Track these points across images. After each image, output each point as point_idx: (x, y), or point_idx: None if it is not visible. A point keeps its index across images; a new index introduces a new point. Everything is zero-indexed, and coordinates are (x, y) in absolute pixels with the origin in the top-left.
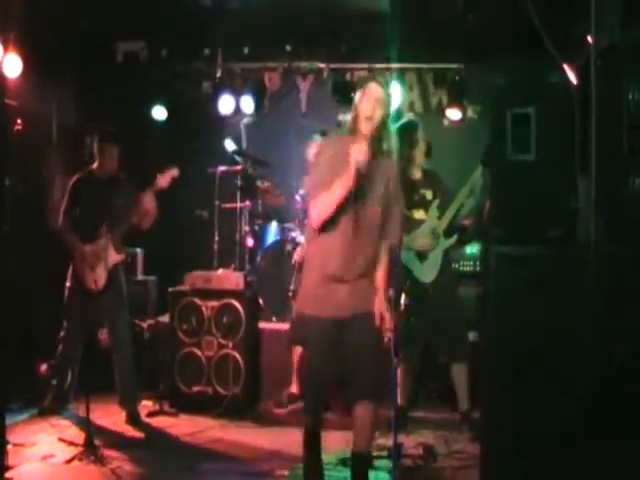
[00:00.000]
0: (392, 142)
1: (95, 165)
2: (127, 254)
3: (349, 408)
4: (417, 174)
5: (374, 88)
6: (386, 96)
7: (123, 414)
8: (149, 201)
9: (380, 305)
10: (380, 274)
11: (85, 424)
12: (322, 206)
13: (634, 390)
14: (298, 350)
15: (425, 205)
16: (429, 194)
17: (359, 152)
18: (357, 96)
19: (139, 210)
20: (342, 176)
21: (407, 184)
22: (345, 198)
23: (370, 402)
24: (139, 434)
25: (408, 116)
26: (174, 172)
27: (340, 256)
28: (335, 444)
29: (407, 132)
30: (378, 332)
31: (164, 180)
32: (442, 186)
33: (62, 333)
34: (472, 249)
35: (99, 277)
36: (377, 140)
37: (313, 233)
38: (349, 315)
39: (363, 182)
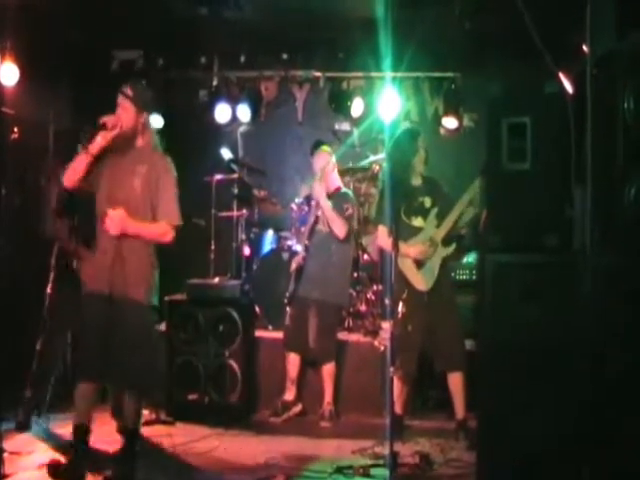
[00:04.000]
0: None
1: None
2: None
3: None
4: (417, 181)
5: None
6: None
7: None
8: None
9: None
10: None
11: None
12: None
13: (632, 399)
14: (293, 357)
15: (423, 213)
16: (428, 202)
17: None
18: None
19: None
20: None
21: (406, 191)
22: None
23: None
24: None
25: (405, 124)
26: None
27: None
28: (330, 452)
29: (409, 140)
30: None
31: None
32: (442, 194)
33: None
34: (468, 257)
35: None
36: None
37: None
38: None
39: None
